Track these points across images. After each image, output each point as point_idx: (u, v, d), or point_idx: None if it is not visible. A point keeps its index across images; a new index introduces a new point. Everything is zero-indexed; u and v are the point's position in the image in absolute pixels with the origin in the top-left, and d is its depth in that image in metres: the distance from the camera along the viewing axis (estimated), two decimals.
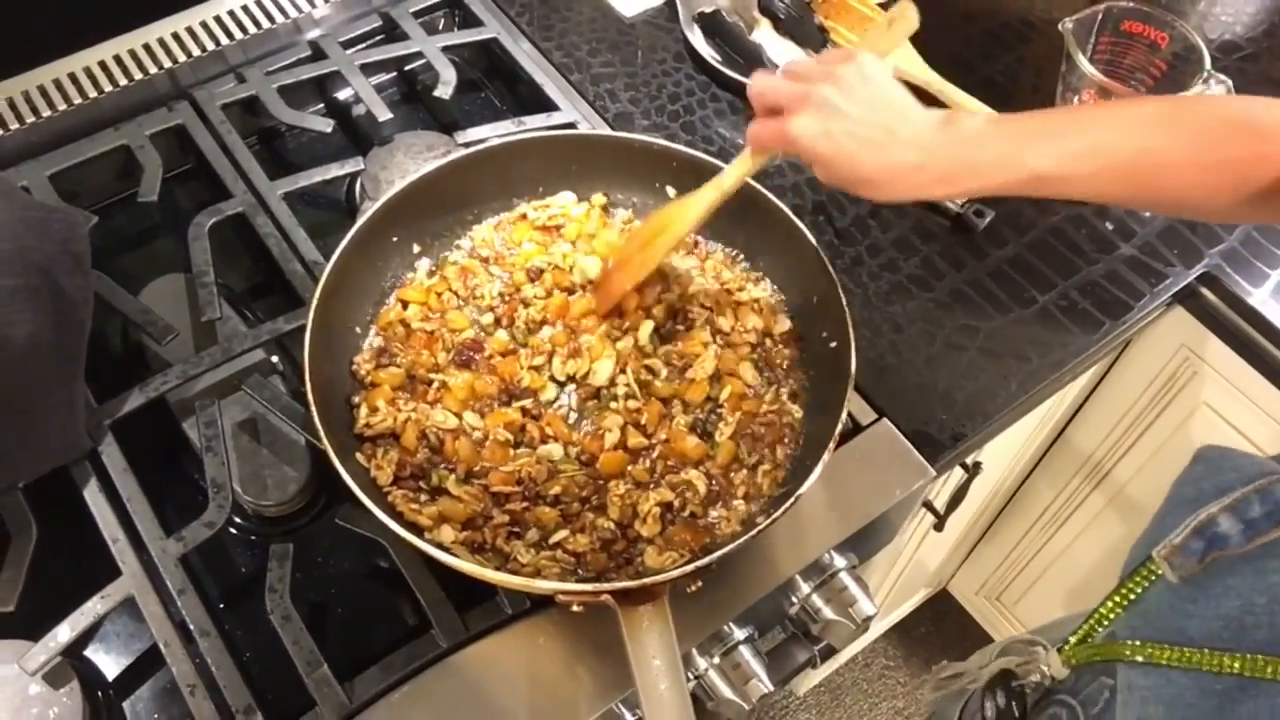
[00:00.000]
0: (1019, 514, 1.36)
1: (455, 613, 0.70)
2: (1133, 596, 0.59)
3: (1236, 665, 0.48)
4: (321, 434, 0.67)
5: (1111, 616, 0.61)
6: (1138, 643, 0.55)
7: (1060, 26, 0.92)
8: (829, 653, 0.84)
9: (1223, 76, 0.89)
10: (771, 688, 0.76)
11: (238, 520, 0.76)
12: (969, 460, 0.91)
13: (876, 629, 1.55)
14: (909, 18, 0.72)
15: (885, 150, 0.63)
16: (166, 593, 0.69)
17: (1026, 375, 0.83)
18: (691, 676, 0.76)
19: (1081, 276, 0.89)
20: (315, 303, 0.72)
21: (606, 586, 0.63)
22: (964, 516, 1.29)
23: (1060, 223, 0.92)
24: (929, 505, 0.99)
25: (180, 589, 0.69)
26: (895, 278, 0.88)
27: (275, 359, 0.82)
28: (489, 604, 0.71)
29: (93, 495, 0.73)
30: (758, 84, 0.68)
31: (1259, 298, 0.90)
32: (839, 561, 0.79)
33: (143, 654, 0.70)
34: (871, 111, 0.64)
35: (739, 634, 0.76)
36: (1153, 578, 0.58)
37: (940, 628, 1.67)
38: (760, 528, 0.65)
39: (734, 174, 0.72)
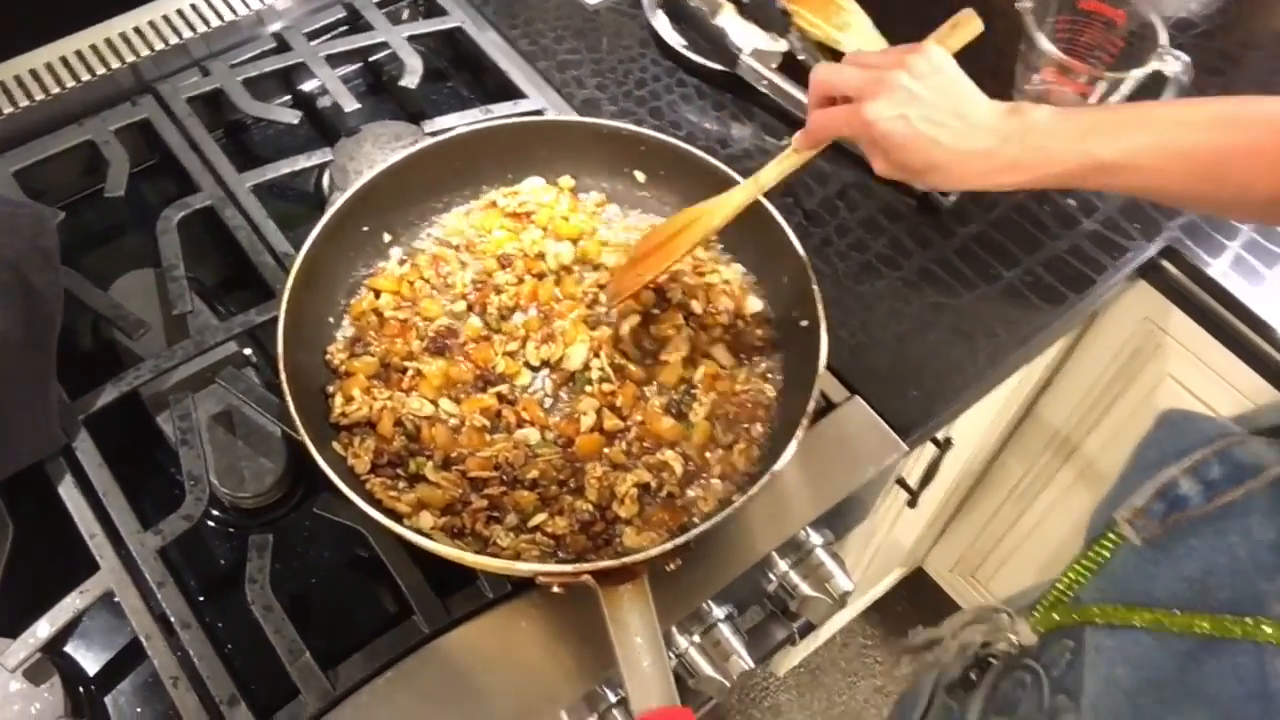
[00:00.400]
0: (990, 490, 1.38)
1: (437, 598, 0.70)
2: (1099, 561, 0.59)
3: (1205, 625, 0.48)
4: (298, 424, 0.67)
5: (1080, 582, 0.62)
6: (1105, 606, 0.56)
7: (1018, 6, 0.93)
8: (808, 629, 0.85)
9: (1179, 53, 0.90)
10: (752, 664, 0.77)
11: (215, 513, 0.76)
12: (940, 436, 0.93)
13: (854, 608, 1.57)
14: (973, 23, 0.73)
15: (959, 136, 0.66)
16: (146, 586, 0.69)
17: (994, 350, 0.85)
18: (673, 655, 0.77)
19: (1046, 252, 0.91)
20: (287, 294, 0.72)
21: (586, 566, 0.64)
22: (936, 493, 1.30)
23: (1024, 200, 0.94)
24: (902, 482, 1.00)
25: (160, 581, 0.69)
26: (864, 257, 0.89)
27: (248, 351, 0.82)
28: (470, 589, 0.72)
29: (68, 491, 0.72)
30: (823, 73, 0.69)
31: (1218, 269, 0.92)
32: (815, 538, 0.80)
33: (123, 648, 0.70)
34: (944, 98, 0.66)
35: (718, 612, 0.77)
36: (1117, 541, 0.59)
37: (917, 606, 1.69)
38: (736, 505, 0.66)
39: (774, 171, 0.73)
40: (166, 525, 0.71)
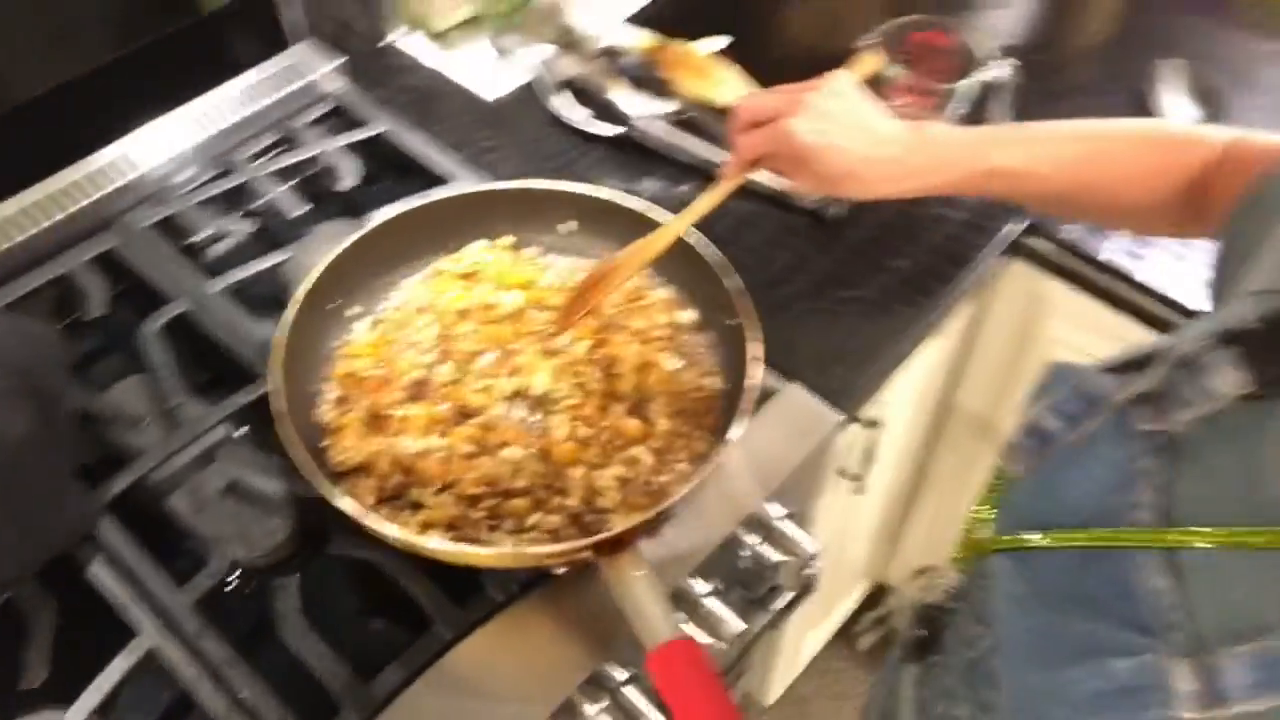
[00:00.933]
0: (931, 489, 1.50)
1: (453, 606, 0.78)
2: (994, 499, 0.63)
3: (1080, 538, 0.51)
4: (316, 470, 0.75)
5: (984, 519, 0.64)
6: (1004, 535, 0.59)
7: (859, 45, 1.09)
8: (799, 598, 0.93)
9: (1005, 61, 1.07)
10: (744, 625, 0.85)
11: (238, 572, 0.82)
12: (867, 417, 1.04)
13: (825, 628, 1.65)
14: (874, 59, 0.85)
15: (871, 146, 0.76)
16: (186, 638, 0.75)
17: (899, 326, 0.97)
18: None
19: (926, 242, 1.05)
20: (282, 360, 0.81)
21: (587, 541, 0.72)
22: (880, 500, 1.41)
23: (902, 203, 1.08)
24: (844, 472, 1.11)
25: (198, 631, 0.75)
26: (773, 269, 1.02)
27: (240, 432, 0.89)
28: (480, 596, 0.79)
29: (99, 569, 0.79)
30: (746, 100, 0.80)
31: (1077, 234, 1.07)
32: (777, 510, 0.90)
33: (170, 705, 0.76)
34: (854, 115, 0.77)
35: (702, 589, 0.86)
36: (1004, 478, 0.62)
37: (885, 620, 1.78)
38: (707, 470, 0.76)
39: (705, 202, 0.82)
40: (197, 582, 0.77)
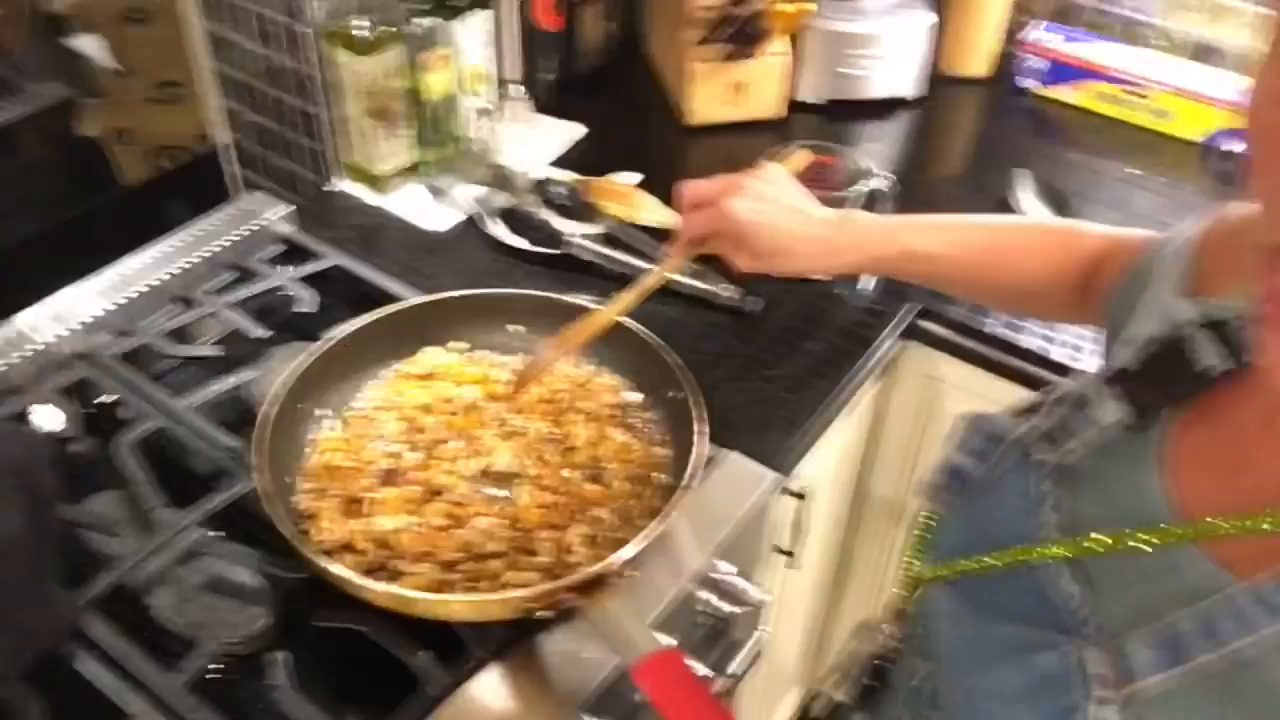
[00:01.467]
0: (854, 579, 1.58)
1: (438, 666, 0.82)
2: (923, 541, 0.69)
3: (998, 561, 0.58)
4: (303, 542, 0.80)
5: (916, 563, 0.70)
6: (934, 568, 0.65)
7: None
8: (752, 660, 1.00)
9: (886, 174, 1.24)
10: (706, 671, 0.91)
11: (226, 651, 0.85)
12: (796, 488, 1.13)
13: None
14: (804, 154, 0.97)
15: (802, 225, 0.84)
16: (179, 716, 0.78)
17: (818, 396, 1.09)
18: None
19: (834, 327, 1.17)
20: (260, 451, 0.87)
21: (565, 582, 0.79)
22: (810, 582, 1.49)
23: (810, 297, 1.21)
24: (778, 549, 1.19)
25: (192, 709, 0.78)
26: (703, 356, 1.12)
27: (215, 533, 0.93)
28: (463, 655, 0.84)
29: (85, 664, 0.81)
30: (690, 185, 0.88)
31: (963, 314, 1.21)
32: (724, 567, 0.97)
33: None
34: (788, 198, 0.86)
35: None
36: (930, 518, 0.68)
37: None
38: (670, 509, 0.84)
39: (658, 273, 0.89)
40: (187, 663, 0.81)
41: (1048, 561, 0.54)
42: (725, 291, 1.19)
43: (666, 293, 1.19)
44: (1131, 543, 0.50)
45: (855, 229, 0.87)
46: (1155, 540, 0.49)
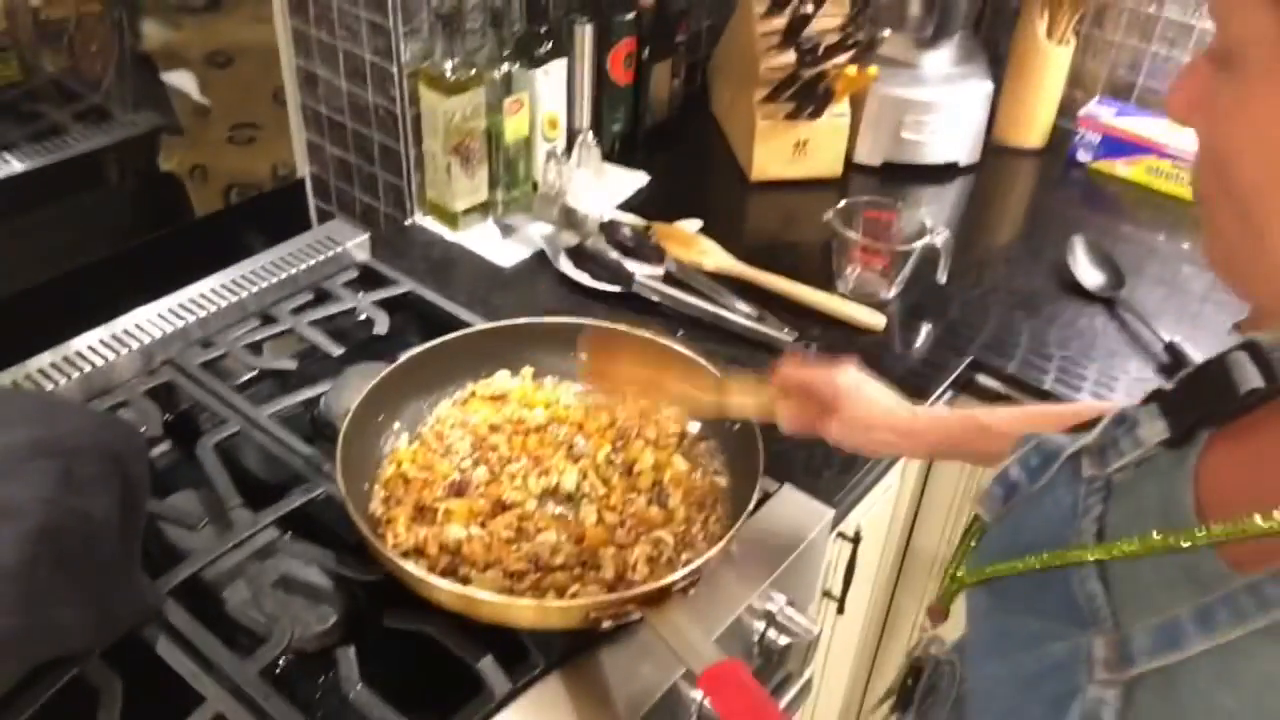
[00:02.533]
0: (898, 635, 1.58)
1: (502, 671, 0.84)
2: (969, 545, 0.72)
3: (1033, 562, 0.61)
4: (376, 540, 0.84)
5: (962, 567, 0.73)
6: (973, 571, 0.68)
7: (824, 218, 1.29)
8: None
9: (943, 229, 1.27)
10: None
11: (296, 647, 0.88)
12: (849, 531, 1.15)
13: None
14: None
15: (893, 403, 0.93)
16: (253, 702, 0.80)
17: None
18: (693, 710, 0.91)
19: (892, 377, 1.18)
20: (340, 455, 0.91)
21: (632, 593, 0.81)
22: (849, 648, 1.50)
23: (867, 346, 1.24)
24: (828, 593, 1.21)
25: (266, 695, 0.80)
26: None
27: (288, 535, 0.97)
28: (527, 661, 0.86)
29: (165, 647, 0.84)
30: (792, 374, 0.93)
31: (1016, 367, 1.23)
32: (779, 599, 0.99)
33: None
34: (877, 384, 0.93)
35: None
36: (979, 526, 0.71)
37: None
38: (730, 535, 0.86)
39: (743, 403, 0.94)
40: (260, 654, 0.83)
41: (1080, 564, 0.57)
42: (783, 336, 1.22)
43: (726, 334, 1.24)
44: (1150, 544, 0.53)
45: (934, 412, 0.97)
46: (1180, 542, 0.52)
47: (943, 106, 1.56)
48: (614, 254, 1.29)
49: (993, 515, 0.68)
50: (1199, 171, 0.49)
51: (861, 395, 0.91)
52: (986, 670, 0.62)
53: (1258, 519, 0.48)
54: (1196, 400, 0.57)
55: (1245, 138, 0.45)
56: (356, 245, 1.32)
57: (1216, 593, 0.48)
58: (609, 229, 1.32)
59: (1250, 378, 0.54)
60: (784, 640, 0.97)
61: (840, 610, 1.23)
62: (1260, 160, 0.44)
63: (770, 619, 0.98)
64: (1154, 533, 0.53)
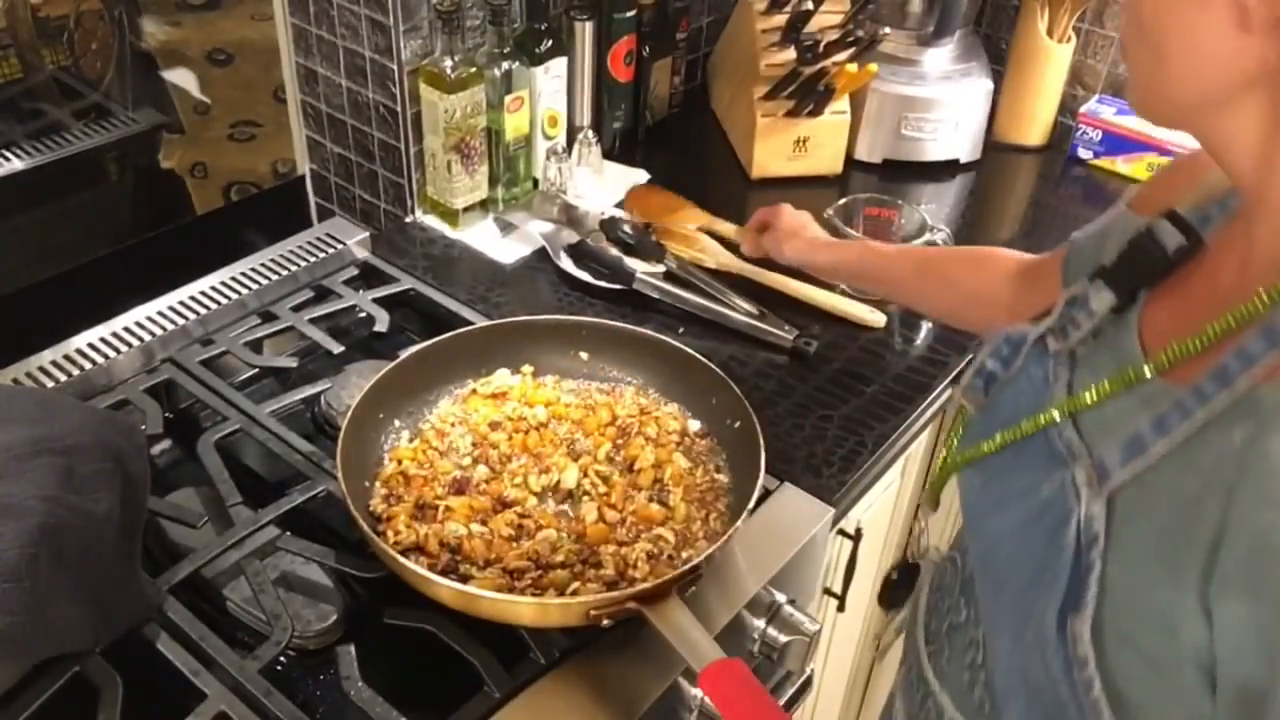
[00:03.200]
0: (896, 639, 1.58)
1: (502, 668, 0.84)
2: (956, 435, 0.80)
3: (1018, 431, 0.69)
4: (376, 538, 0.84)
5: (945, 457, 0.81)
6: (958, 458, 0.76)
7: (825, 215, 1.29)
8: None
9: (942, 226, 1.27)
10: None
11: (296, 644, 0.88)
12: (850, 528, 1.15)
13: None
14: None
15: (810, 223, 1.22)
16: (254, 700, 0.80)
17: (875, 439, 1.11)
18: (693, 707, 0.92)
19: (891, 373, 1.20)
20: (340, 453, 0.91)
21: (631, 590, 0.81)
22: (849, 648, 1.50)
23: (865, 343, 1.24)
24: (828, 591, 1.21)
25: (266, 692, 0.80)
26: (762, 394, 1.15)
27: (288, 533, 0.97)
28: (526, 659, 0.86)
29: (166, 644, 0.84)
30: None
31: None
32: (779, 597, 0.99)
33: None
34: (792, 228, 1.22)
35: None
36: (963, 416, 0.80)
37: None
38: (728, 534, 0.86)
39: (724, 229, 1.32)
40: (261, 650, 0.83)
41: (1052, 423, 0.66)
42: (784, 333, 1.22)
43: (727, 331, 1.24)
44: (1106, 389, 0.63)
45: (836, 240, 1.22)
46: (1126, 381, 0.62)
47: (943, 104, 1.55)
48: (614, 251, 1.29)
49: (976, 404, 0.76)
50: (1124, 28, 0.61)
51: (793, 217, 1.21)
52: (987, 532, 0.70)
53: (1192, 340, 0.58)
54: (1134, 267, 0.68)
55: None
56: (357, 243, 1.32)
57: (1165, 403, 0.57)
58: (609, 226, 1.32)
59: (1174, 238, 0.66)
60: (784, 638, 0.97)
61: (841, 608, 1.23)
62: None
63: (771, 617, 0.98)
64: (1110, 379, 0.63)
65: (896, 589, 0.89)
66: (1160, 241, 0.66)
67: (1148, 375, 0.61)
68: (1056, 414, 0.65)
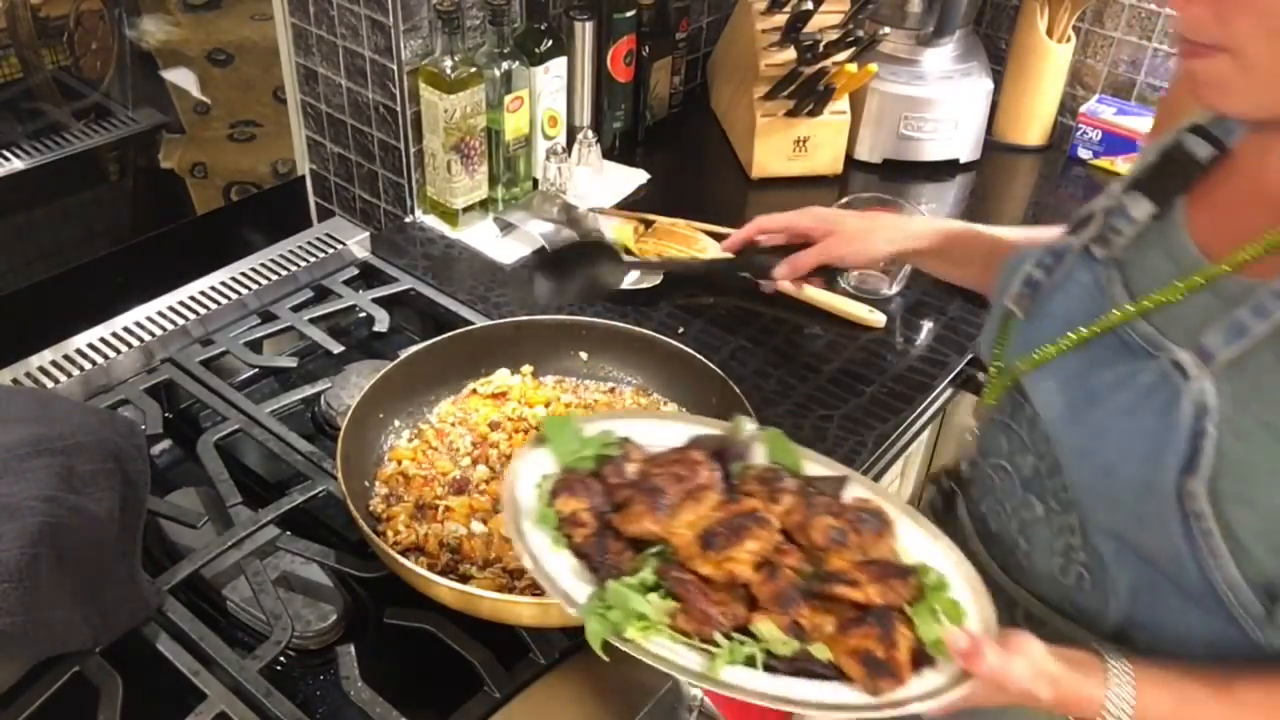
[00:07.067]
0: None
1: (502, 667, 0.84)
2: (1004, 339, 0.83)
3: (1082, 332, 0.75)
4: (377, 540, 0.84)
5: (1001, 362, 0.84)
6: (1024, 359, 0.80)
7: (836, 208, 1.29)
8: None
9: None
10: None
11: (296, 644, 0.88)
12: None
13: None
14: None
15: (871, 219, 1.16)
16: (254, 700, 0.80)
17: (877, 437, 1.11)
18: (693, 707, 0.91)
19: (891, 373, 1.20)
20: (340, 454, 0.91)
21: None
22: None
23: (865, 343, 1.24)
24: None
25: (266, 692, 0.80)
26: (762, 394, 1.15)
27: (288, 533, 0.97)
28: (526, 660, 0.86)
29: (166, 644, 0.84)
30: (761, 225, 1.21)
31: None
32: None
33: None
34: (864, 221, 1.16)
35: None
36: (1011, 321, 0.83)
37: None
38: None
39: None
40: (262, 650, 0.83)
41: (1124, 321, 0.72)
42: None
43: (725, 329, 1.24)
44: (1187, 285, 0.69)
45: (919, 220, 1.16)
46: (1189, 284, 0.69)
47: (943, 104, 1.55)
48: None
49: (1024, 309, 0.81)
50: (1215, 24, 0.61)
51: (844, 213, 1.12)
52: (1084, 426, 0.73)
53: (1263, 242, 0.66)
54: (1168, 177, 0.74)
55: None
56: (357, 243, 1.32)
57: (1254, 294, 0.64)
58: (606, 228, 1.32)
59: (1203, 148, 0.73)
60: None
61: None
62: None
63: None
64: (1175, 280, 0.70)
65: (951, 498, 0.94)
66: (1190, 151, 0.73)
67: (1218, 277, 0.68)
68: (1127, 311, 0.72)
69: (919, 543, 0.77)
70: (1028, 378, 0.79)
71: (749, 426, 0.83)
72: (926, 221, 1.10)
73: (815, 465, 0.85)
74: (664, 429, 0.85)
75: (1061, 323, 0.77)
